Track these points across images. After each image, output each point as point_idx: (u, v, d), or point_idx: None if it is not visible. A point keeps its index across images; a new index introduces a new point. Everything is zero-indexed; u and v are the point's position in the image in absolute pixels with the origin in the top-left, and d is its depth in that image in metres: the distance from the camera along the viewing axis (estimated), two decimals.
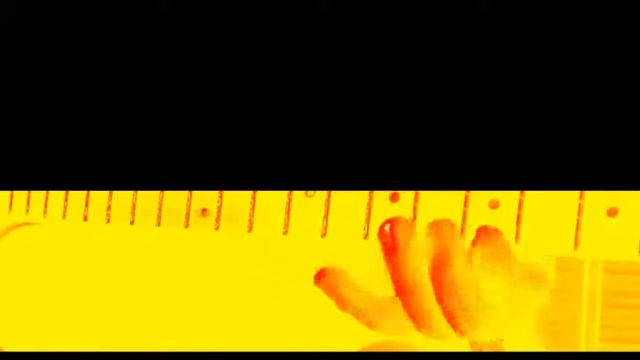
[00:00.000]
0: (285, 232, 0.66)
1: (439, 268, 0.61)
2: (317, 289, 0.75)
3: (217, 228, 0.68)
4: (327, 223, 0.65)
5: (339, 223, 0.64)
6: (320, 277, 0.66)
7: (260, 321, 0.80)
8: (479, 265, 0.61)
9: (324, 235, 0.65)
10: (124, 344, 0.80)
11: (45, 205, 0.74)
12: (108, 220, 0.71)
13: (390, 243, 0.62)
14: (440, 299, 0.62)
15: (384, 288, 0.65)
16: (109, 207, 0.71)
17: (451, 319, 0.62)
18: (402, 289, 0.63)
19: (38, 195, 0.75)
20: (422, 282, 0.62)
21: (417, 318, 0.63)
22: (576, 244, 0.59)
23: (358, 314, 0.66)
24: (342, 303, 0.66)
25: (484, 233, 0.61)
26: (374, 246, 0.64)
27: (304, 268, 0.73)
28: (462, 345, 0.72)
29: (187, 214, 0.69)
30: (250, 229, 0.67)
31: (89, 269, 0.81)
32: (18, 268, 0.83)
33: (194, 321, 0.80)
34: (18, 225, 0.80)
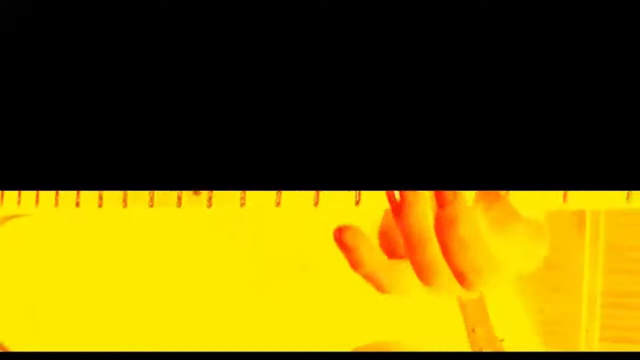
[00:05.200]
0: (277, 204, 0.67)
1: (446, 229, 0.62)
2: (314, 287, 0.75)
3: (209, 206, 0.68)
4: (319, 192, 0.66)
5: (330, 192, 0.65)
6: (341, 234, 0.66)
7: (257, 311, 0.80)
8: (486, 226, 0.62)
9: (316, 204, 0.66)
10: (120, 329, 0.80)
11: (37, 194, 0.74)
12: (100, 205, 0.71)
13: (398, 201, 0.64)
14: (448, 258, 0.63)
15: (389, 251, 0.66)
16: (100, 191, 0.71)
17: (460, 276, 0.63)
18: (410, 245, 0.64)
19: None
20: (428, 237, 0.63)
21: (424, 274, 0.64)
22: (565, 196, 0.59)
23: (371, 276, 0.67)
24: (357, 263, 0.67)
25: (485, 195, 0.63)
26: (365, 213, 0.66)
27: (297, 241, 0.74)
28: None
29: (179, 195, 0.69)
30: (242, 204, 0.67)
31: (83, 255, 0.81)
32: (11, 260, 0.83)
33: (190, 308, 0.80)
34: (10, 218, 0.80)
